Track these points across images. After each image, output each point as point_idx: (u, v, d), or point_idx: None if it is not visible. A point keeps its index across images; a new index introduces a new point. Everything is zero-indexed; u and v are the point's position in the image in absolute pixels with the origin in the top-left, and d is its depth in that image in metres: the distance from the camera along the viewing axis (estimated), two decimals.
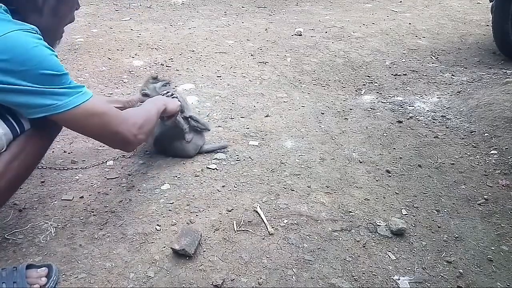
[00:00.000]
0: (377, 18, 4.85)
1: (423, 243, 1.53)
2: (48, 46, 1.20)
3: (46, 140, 1.39)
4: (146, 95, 1.96)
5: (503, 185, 1.87)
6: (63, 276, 1.32)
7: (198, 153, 2.01)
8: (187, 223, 1.57)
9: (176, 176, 1.85)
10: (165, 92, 1.92)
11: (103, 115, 1.31)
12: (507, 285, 1.37)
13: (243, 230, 1.55)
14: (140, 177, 1.84)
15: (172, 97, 1.88)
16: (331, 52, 3.60)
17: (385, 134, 2.31)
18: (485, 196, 1.79)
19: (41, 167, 1.82)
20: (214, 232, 1.53)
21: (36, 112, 1.19)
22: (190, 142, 1.96)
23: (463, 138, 2.27)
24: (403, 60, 3.49)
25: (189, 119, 1.97)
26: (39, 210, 1.61)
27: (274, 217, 1.62)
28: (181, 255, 1.40)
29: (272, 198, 1.73)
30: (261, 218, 1.60)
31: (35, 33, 1.18)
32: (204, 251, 1.45)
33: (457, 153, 2.13)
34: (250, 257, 1.43)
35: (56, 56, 1.22)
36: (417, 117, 2.52)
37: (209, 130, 2.06)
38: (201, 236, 1.48)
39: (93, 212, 1.61)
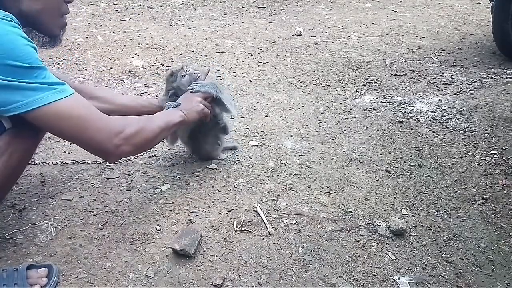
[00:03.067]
0: (377, 18, 4.85)
1: (423, 243, 1.53)
2: (25, 36, 1.09)
3: (30, 139, 1.29)
4: (175, 95, 1.77)
5: (503, 185, 1.87)
6: (63, 276, 1.32)
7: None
8: (187, 223, 1.57)
9: (176, 176, 1.85)
10: (189, 88, 1.71)
11: (78, 118, 1.16)
12: (507, 285, 1.37)
13: (243, 230, 1.55)
14: (140, 177, 1.84)
15: (200, 90, 1.69)
16: (331, 52, 3.60)
17: (385, 134, 2.31)
18: (485, 196, 1.79)
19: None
20: (214, 232, 1.53)
21: (4, 110, 1.07)
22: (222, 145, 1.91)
23: (463, 138, 2.27)
24: (403, 60, 3.49)
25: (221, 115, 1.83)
26: (39, 210, 1.61)
27: (274, 217, 1.62)
28: (181, 255, 1.40)
29: (272, 198, 1.73)
30: (261, 218, 1.60)
31: (9, 21, 1.08)
32: (204, 251, 1.45)
33: (457, 153, 2.13)
34: (250, 257, 1.43)
35: (34, 48, 1.10)
36: (417, 117, 2.52)
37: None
38: (201, 236, 1.48)
39: (93, 212, 1.61)
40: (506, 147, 2.14)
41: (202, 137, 1.86)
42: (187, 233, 1.45)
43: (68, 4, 1.35)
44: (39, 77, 1.09)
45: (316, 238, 1.53)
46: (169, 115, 1.55)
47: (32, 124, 1.16)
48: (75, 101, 1.17)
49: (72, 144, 2.06)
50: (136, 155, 1.97)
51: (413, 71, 3.26)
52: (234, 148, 2.08)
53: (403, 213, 1.68)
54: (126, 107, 1.76)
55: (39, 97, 1.09)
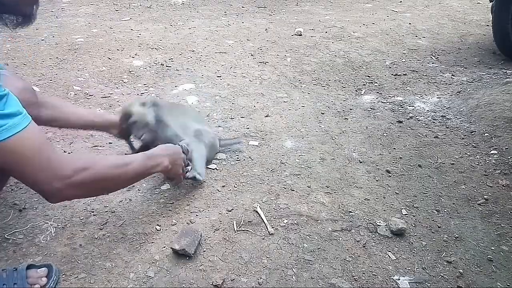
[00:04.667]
0: (377, 18, 4.85)
1: (423, 243, 1.53)
2: None
3: None
4: (133, 123, 1.70)
5: (503, 185, 1.87)
6: (63, 276, 1.32)
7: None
8: (187, 223, 1.57)
9: None
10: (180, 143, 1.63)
11: (22, 155, 1.04)
12: (507, 285, 1.37)
13: (243, 230, 1.55)
14: None
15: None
16: (331, 52, 3.60)
17: (385, 134, 2.31)
18: (485, 196, 1.79)
19: None
20: (214, 232, 1.53)
21: None
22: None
23: (463, 138, 2.27)
24: (403, 60, 3.49)
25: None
26: (39, 210, 1.61)
27: (274, 217, 1.62)
28: (181, 255, 1.40)
29: (272, 198, 1.73)
30: (261, 218, 1.60)
31: None
32: (204, 251, 1.45)
33: (457, 153, 2.13)
34: (250, 257, 1.43)
35: None
36: (417, 117, 2.52)
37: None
38: (201, 236, 1.48)
39: (93, 212, 1.61)
40: (506, 147, 2.14)
41: None
42: (187, 233, 1.45)
43: None
44: None
45: (316, 238, 1.53)
46: (149, 160, 1.38)
47: None
48: (26, 135, 1.05)
49: (72, 144, 2.07)
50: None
51: (413, 71, 3.26)
52: (238, 142, 2.07)
53: (403, 213, 1.68)
54: (74, 115, 1.65)
55: None
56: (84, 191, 1.22)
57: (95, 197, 1.58)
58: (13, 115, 1.02)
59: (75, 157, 1.24)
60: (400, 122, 2.44)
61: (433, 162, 2.05)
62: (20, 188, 1.73)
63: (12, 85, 1.21)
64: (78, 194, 1.23)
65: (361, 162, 2.03)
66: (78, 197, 1.34)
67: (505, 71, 3.22)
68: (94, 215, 1.59)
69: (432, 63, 3.45)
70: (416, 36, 4.16)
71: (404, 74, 3.18)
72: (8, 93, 1.03)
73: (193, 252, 1.40)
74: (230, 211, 1.64)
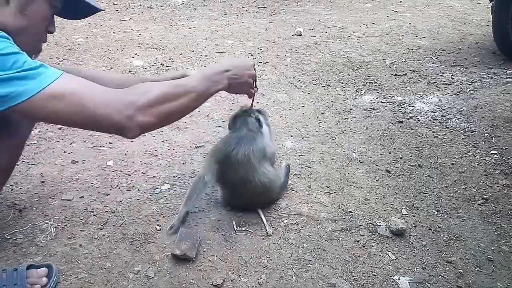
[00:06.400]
0: (377, 18, 4.85)
1: (423, 243, 1.53)
2: None
3: (17, 140, 1.26)
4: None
5: (503, 185, 1.87)
6: (63, 276, 1.32)
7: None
8: (187, 223, 1.57)
9: (176, 176, 1.85)
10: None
11: (75, 96, 1.00)
12: (507, 285, 1.36)
13: (243, 230, 1.55)
14: (140, 177, 1.84)
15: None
16: (331, 52, 3.60)
17: (385, 134, 2.31)
18: (485, 196, 1.79)
19: None
20: (214, 232, 1.53)
21: None
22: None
23: (463, 138, 2.27)
24: (403, 60, 3.49)
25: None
26: (39, 210, 1.61)
27: (274, 217, 1.62)
28: (182, 259, 1.39)
29: None
30: (261, 218, 1.60)
31: None
32: (204, 251, 1.44)
33: (457, 153, 2.13)
34: (250, 257, 1.43)
35: (6, 38, 0.99)
36: (417, 117, 2.52)
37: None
38: (200, 238, 1.48)
39: (93, 212, 1.61)
40: (506, 147, 2.14)
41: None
42: (186, 236, 1.44)
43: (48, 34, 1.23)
44: (18, 64, 0.97)
45: (316, 238, 1.53)
46: (206, 79, 1.23)
47: (21, 118, 1.09)
48: (67, 79, 1.02)
49: (72, 144, 2.07)
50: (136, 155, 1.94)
51: (413, 71, 3.26)
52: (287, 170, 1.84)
53: (403, 213, 1.68)
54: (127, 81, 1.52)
55: (28, 87, 0.96)
56: (156, 115, 1.09)
57: (170, 124, 1.31)
58: (42, 65, 1.01)
59: (131, 88, 1.12)
60: (400, 122, 2.44)
61: (433, 162, 2.05)
62: (20, 188, 1.73)
63: None
64: (153, 122, 1.09)
65: (361, 162, 2.03)
66: (156, 125, 1.14)
67: (505, 71, 3.22)
68: (94, 215, 1.59)
69: (432, 63, 3.45)
70: (416, 36, 4.16)
71: (404, 74, 3.18)
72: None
73: (194, 256, 1.39)
74: (230, 211, 1.64)
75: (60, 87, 0.99)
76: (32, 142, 2.05)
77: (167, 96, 1.11)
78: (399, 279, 1.37)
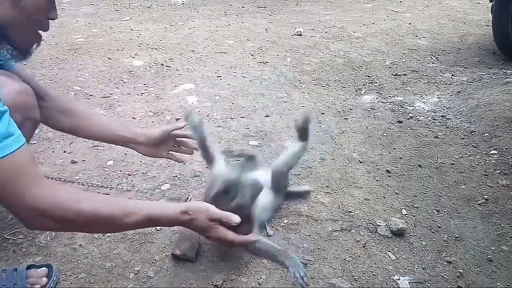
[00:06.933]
0: (377, 18, 4.85)
1: (423, 243, 1.53)
2: None
3: None
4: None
5: (503, 185, 1.87)
6: (63, 276, 1.32)
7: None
8: None
9: (176, 176, 1.85)
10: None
11: (3, 177, 0.92)
12: (507, 285, 1.37)
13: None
14: (140, 177, 1.84)
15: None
16: (331, 52, 3.60)
17: (385, 134, 2.31)
18: (485, 196, 1.79)
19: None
20: None
21: None
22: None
23: (463, 138, 2.27)
24: (403, 60, 3.49)
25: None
26: None
27: (274, 217, 1.62)
28: (182, 259, 1.39)
29: None
30: None
31: None
32: (204, 251, 1.45)
33: (457, 153, 2.13)
34: (250, 257, 1.43)
35: None
36: (417, 117, 2.52)
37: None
38: (199, 237, 1.47)
39: None
40: (506, 147, 2.14)
41: None
42: (185, 236, 1.43)
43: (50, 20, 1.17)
44: None
45: (316, 238, 1.53)
46: (145, 210, 1.06)
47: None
48: (12, 159, 0.93)
49: (72, 144, 2.07)
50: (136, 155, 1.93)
51: (413, 71, 3.26)
52: (307, 193, 1.76)
53: (403, 213, 1.68)
54: (98, 127, 1.50)
55: None
56: (58, 227, 1.08)
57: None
58: (7, 135, 0.92)
59: (60, 194, 1.02)
60: (400, 122, 2.44)
61: (433, 162, 2.05)
62: None
63: (8, 87, 1.16)
64: (53, 226, 1.07)
65: (361, 162, 2.03)
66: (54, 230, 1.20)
67: (505, 71, 3.22)
68: None
69: (432, 63, 3.45)
70: (416, 36, 4.16)
71: (404, 74, 3.18)
72: (6, 110, 0.94)
73: (194, 256, 1.39)
74: None
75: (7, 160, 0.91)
76: (32, 142, 2.05)
77: (94, 219, 1.01)
78: (399, 279, 1.37)
